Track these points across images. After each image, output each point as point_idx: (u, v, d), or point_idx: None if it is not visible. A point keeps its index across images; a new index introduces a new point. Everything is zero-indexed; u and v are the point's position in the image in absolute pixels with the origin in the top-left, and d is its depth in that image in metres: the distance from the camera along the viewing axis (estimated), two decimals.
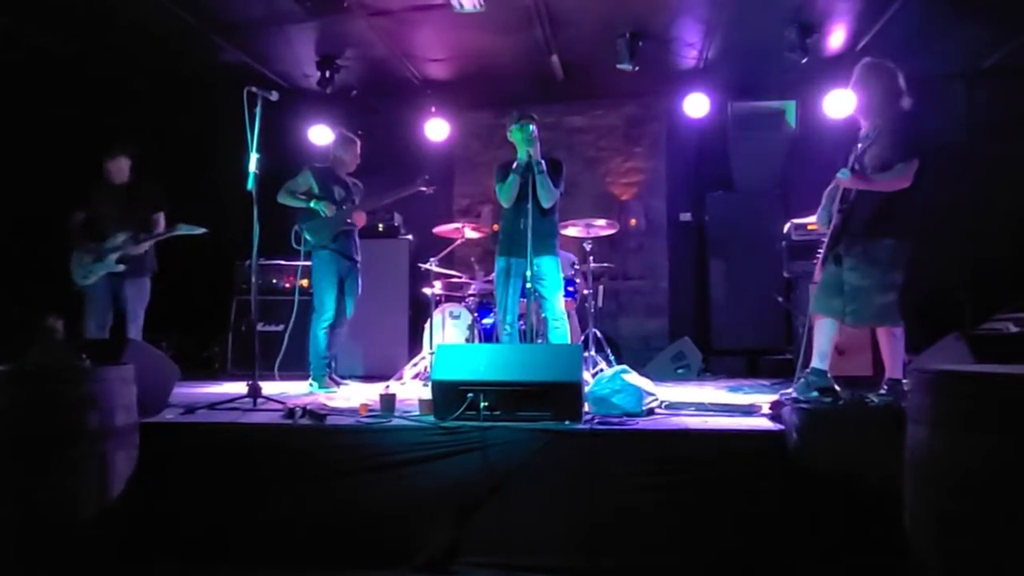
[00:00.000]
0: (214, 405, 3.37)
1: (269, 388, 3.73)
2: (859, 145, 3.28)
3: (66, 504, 2.33)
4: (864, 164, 3.18)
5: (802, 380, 3.34)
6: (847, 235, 3.23)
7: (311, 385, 4.54)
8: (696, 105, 6.17)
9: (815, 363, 3.34)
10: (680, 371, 5.77)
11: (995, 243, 5.42)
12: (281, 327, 5.24)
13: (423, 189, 4.80)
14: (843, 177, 3.15)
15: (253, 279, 3.82)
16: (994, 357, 2.78)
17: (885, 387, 3.17)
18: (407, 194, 4.80)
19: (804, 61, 5.20)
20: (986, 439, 1.69)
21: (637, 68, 5.39)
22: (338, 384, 4.65)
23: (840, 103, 5.74)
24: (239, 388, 3.67)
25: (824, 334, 3.34)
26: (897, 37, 5.22)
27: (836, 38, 5.41)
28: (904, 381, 3.12)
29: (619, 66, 5.40)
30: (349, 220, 4.67)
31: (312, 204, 4.52)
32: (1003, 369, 1.92)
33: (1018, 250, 5.30)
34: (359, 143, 4.84)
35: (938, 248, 5.53)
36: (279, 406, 3.33)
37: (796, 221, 5.08)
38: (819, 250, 3.38)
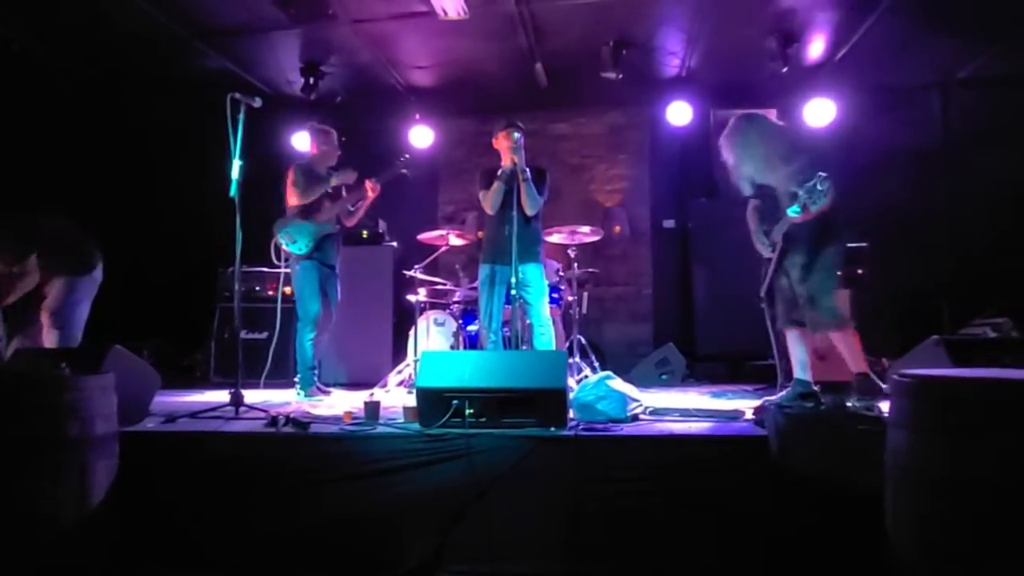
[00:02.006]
0: (196, 414, 3.34)
1: (253, 397, 3.70)
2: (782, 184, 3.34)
3: (45, 514, 2.30)
4: (809, 186, 3.17)
5: (788, 390, 3.39)
6: (792, 252, 3.35)
7: (299, 394, 4.50)
8: (679, 113, 6.23)
9: (797, 374, 3.39)
10: (664, 377, 5.80)
11: (973, 249, 5.52)
12: (264, 335, 5.21)
13: (403, 171, 4.72)
14: (794, 215, 3.22)
15: (236, 286, 3.79)
16: (972, 361, 2.83)
17: (855, 382, 3.22)
18: (388, 179, 4.72)
19: (785, 70, 5.28)
20: (965, 442, 1.71)
21: (620, 76, 5.44)
22: (325, 393, 4.62)
23: (820, 111, 5.84)
24: (221, 396, 3.64)
25: (797, 345, 3.41)
26: (874, 48, 5.32)
27: (816, 48, 5.49)
28: (871, 374, 3.24)
29: (603, 74, 5.44)
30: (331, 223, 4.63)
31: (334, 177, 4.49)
32: (981, 373, 1.95)
33: (995, 256, 5.40)
34: (335, 133, 4.77)
35: (917, 254, 5.64)
36: (262, 414, 3.30)
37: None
38: (765, 266, 3.47)
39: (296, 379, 4.57)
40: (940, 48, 5.40)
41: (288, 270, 4.65)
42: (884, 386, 3.18)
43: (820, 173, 3.05)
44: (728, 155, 3.58)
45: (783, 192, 3.32)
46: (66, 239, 4.10)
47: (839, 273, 3.35)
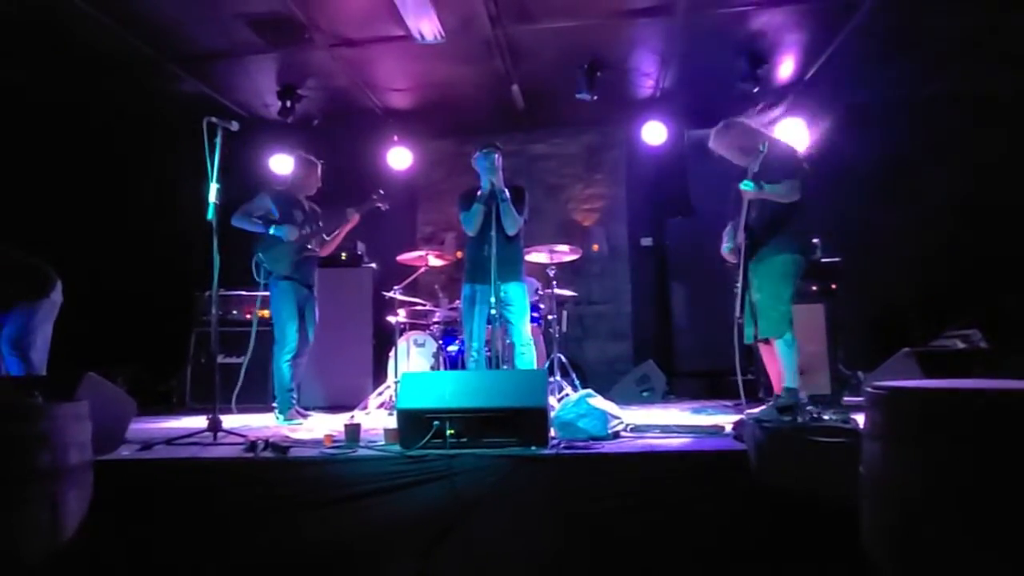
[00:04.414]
0: (172, 440, 3.29)
1: (230, 421, 3.65)
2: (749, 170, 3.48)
3: (14, 547, 2.24)
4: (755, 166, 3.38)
5: (771, 403, 3.44)
6: (751, 262, 3.46)
7: (278, 418, 4.45)
8: (654, 133, 6.32)
9: (778, 389, 3.44)
10: (645, 394, 5.82)
11: (941, 262, 5.64)
12: (242, 359, 5.14)
13: (379, 206, 4.76)
14: (747, 188, 3.33)
15: (213, 310, 3.76)
16: (943, 373, 2.89)
17: (780, 395, 3.28)
18: (365, 211, 4.74)
19: (756, 90, 5.39)
20: (935, 453, 1.75)
21: (596, 97, 5.52)
22: (304, 416, 4.57)
23: (791, 130, 5.96)
24: (199, 422, 3.59)
25: (772, 358, 3.47)
26: (842, 67, 5.47)
27: (785, 68, 5.63)
28: (797, 390, 3.32)
29: (578, 95, 5.52)
30: (310, 246, 4.63)
31: (272, 230, 4.44)
32: (952, 384, 1.99)
33: (963, 268, 5.52)
34: (320, 166, 4.79)
35: (887, 268, 5.75)
36: (240, 440, 3.26)
37: None
38: (736, 283, 3.55)
39: (274, 403, 4.52)
40: (905, 67, 5.56)
41: (266, 292, 4.63)
42: (804, 401, 3.24)
43: (761, 146, 3.20)
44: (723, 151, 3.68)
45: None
46: (12, 266, 4.02)
47: (792, 284, 3.41)
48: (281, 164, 6.40)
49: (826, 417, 3.18)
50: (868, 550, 1.94)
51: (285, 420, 4.41)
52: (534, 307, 5.18)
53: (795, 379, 3.35)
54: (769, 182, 3.35)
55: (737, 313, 3.55)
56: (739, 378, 3.50)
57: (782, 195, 3.36)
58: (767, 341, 3.47)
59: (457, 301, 4.87)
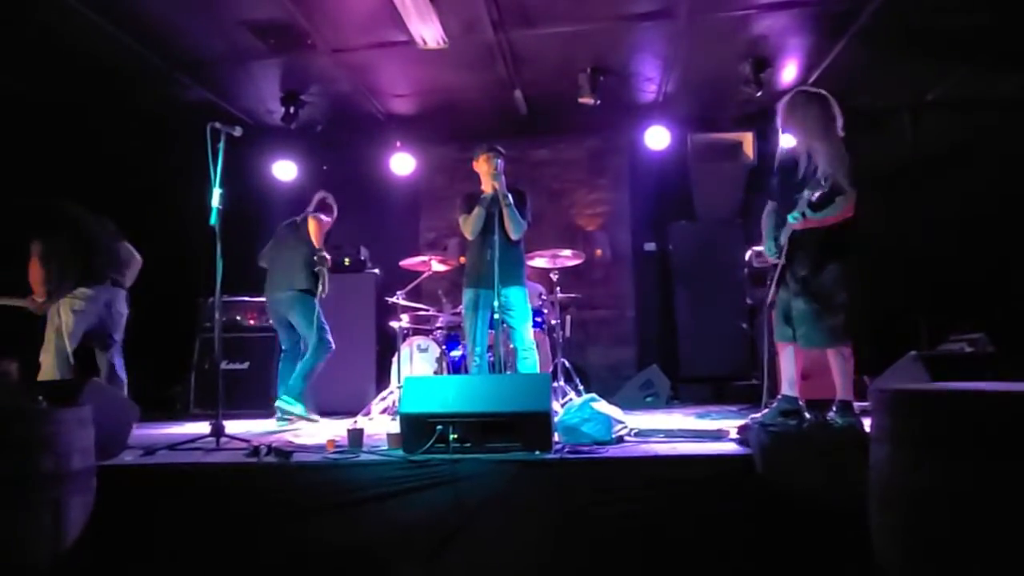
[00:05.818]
0: (175, 446, 3.27)
1: (233, 427, 3.64)
2: (800, 172, 3.30)
3: (17, 551, 2.23)
4: (807, 196, 3.16)
5: (774, 406, 3.40)
6: (794, 264, 3.30)
7: (288, 403, 4.49)
8: (657, 137, 6.32)
9: (784, 390, 3.40)
10: (649, 399, 5.80)
11: (946, 267, 5.61)
12: (246, 365, 5.15)
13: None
14: (794, 221, 3.20)
15: (216, 316, 3.75)
16: (950, 376, 2.87)
17: (835, 408, 3.20)
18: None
19: (759, 94, 5.39)
20: (943, 457, 1.73)
21: (598, 102, 5.52)
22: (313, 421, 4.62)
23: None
24: (202, 428, 3.58)
25: (788, 361, 3.41)
26: (845, 71, 5.45)
27: (788, 72, 5.62)
28: (852, 403, 3.20)
29: (581, 100, 5.52)
30: None
31: (316, 268, 4.67)
32: (958, 387, 1.98)
33: (968, 273, 5.50)
34: (336, 211, 4.87)
35: (893, 273, 5.73)
36: (243, 445, 3.25)
37: (756, 248, 5.19)
38: (771, 277, 3.46)
39: (278, 401, 4.53)
40: (908, 71, 5.55)
41: (262, 299, 4.64)
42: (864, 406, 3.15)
43: (823, 181, 2.99)
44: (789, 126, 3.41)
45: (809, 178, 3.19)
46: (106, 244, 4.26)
47: (844, 293, 3.20)
48: (284, 170, 6.43)
49: (831, 421, 3.17)
50: (877, 553, 1.92)
51: (304, 412, 4.50)
52: (537, 312, 5.16)
53: (848, 392, 3.22)
54: (817, 208, 3.13)
55: (768, 300, 3.44)
56: (764, 381, 3.42)
57: (831, 216, 3.16)
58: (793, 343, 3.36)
59: (460, 306, 4.86)
